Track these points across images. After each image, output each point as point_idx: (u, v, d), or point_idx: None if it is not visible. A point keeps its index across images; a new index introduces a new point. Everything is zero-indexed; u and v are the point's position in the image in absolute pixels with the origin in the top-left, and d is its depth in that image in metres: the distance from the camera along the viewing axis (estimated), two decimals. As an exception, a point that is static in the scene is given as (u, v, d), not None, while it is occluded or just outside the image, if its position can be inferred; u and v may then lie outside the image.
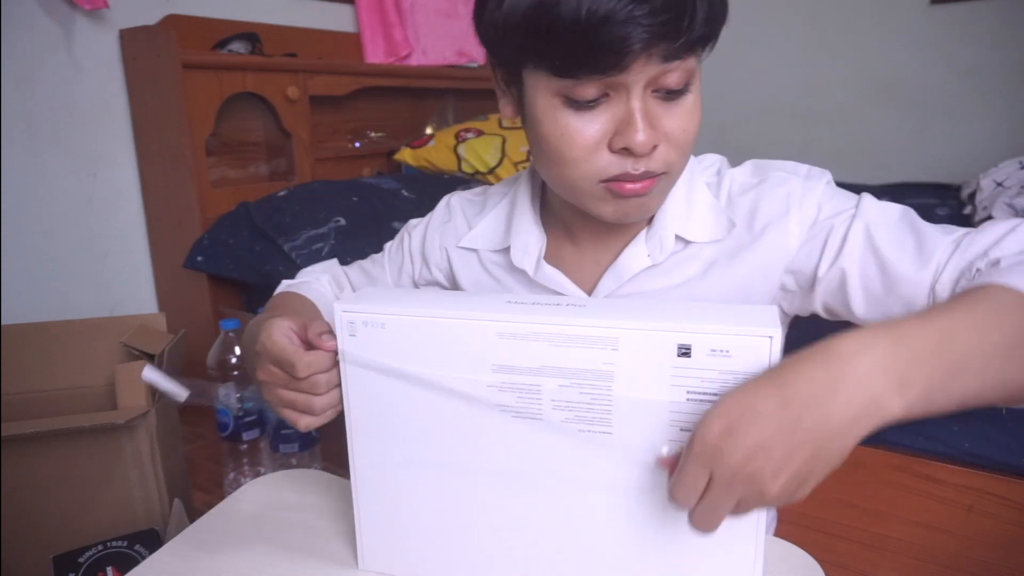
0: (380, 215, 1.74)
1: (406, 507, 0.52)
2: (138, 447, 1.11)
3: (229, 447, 1.50)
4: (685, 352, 0.43)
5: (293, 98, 1.91)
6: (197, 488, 1.53)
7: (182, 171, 1.70)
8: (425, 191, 1.95)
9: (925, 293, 0.54)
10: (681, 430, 0.44)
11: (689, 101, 0.55)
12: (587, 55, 0.50)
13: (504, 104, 0.63)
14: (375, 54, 2.25)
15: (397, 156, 2.22)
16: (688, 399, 0.43)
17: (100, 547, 1.04)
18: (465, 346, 0.47)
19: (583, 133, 0.54)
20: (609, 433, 0.45)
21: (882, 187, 2.48)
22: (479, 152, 2.14)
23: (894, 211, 0.59)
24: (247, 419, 1.47)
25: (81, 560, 1.03)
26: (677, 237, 0.63)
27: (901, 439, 1.02)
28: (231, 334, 1.47)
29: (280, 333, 0.51)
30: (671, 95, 0.54)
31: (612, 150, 0.55)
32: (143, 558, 0.66)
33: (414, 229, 0.78)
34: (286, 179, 1.99)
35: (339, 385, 0.52)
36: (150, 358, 1.19)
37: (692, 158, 0.65)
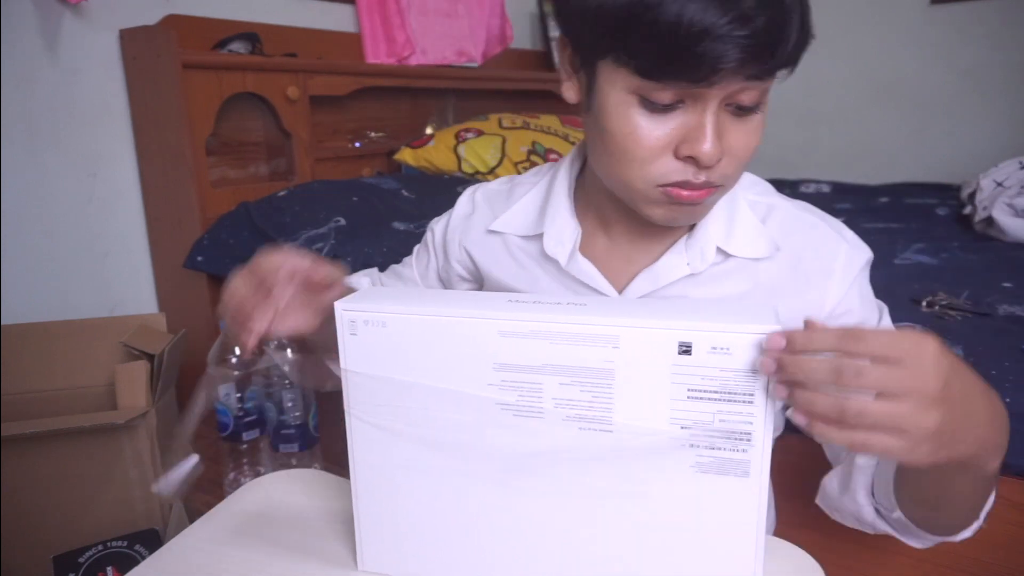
0: (380, 215, 1.73)
1: (406, 508, 0.52)
2: (138, 447, 1.11)
3: (229, 447, 1.50)
4: (686, 350, 0.43)
5: (293, 98, 1.91)
6: (197, 488, 1.53)
7: (182, 171, 1.69)
8: (425, 191, 1.94)
9: None
10: (682, 428, 0.44)
11: (757, 119, 0.56)
12: (677, 63, 0.50)
13: (567, 87, 0.61)
14: (376, 54, 2.24)
15: (397, 156, 2.22)
16: (689, 397, 0.43)
17: (100, 547, 1.04)
18: (466, 345, 0.47)
19: (652, 135, 0.54)
20: (610, 431, 0.45)
21: (882, 187, 2.48)
22: (479, 152, 2.14)
23: None
24: (247, 419, 1.47)
25: (81, 560, 1.03)
26: (718, 249, 0.63)
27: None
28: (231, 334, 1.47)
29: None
30: (742, 111, 0.54)
31: (677, 156, 0.55)
32: (143, 558, 0.66)
33: (436, 225, 0.78)
34: (286, 179, 1.99)
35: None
36: (150, 358, 1.19)
37: None
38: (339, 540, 0.58)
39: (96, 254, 1.71)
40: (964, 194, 2.07)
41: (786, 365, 0.40)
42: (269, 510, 0.63)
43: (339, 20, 2.19)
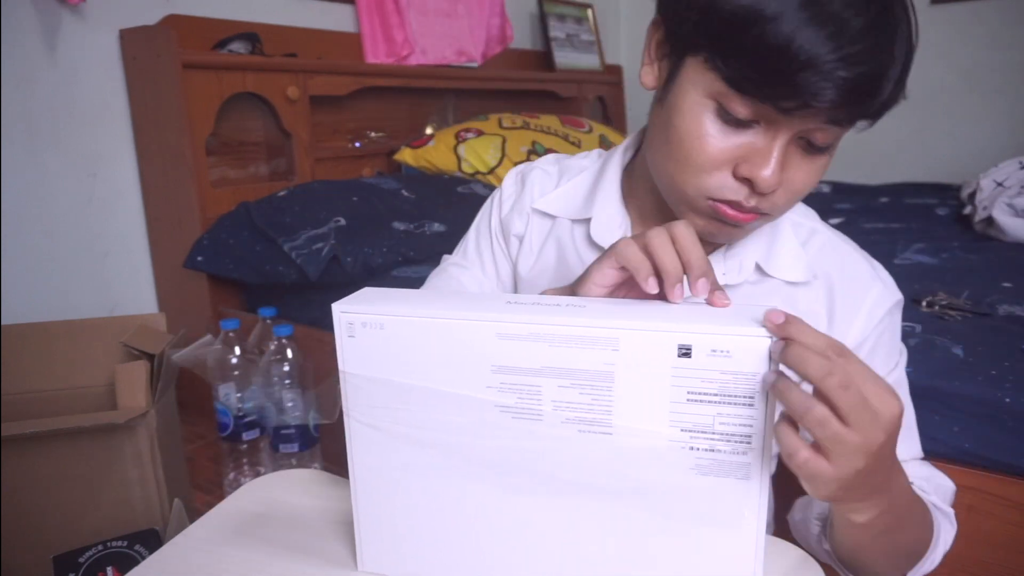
0: (380, 215, 1.74)
1: (405, 509, 0.52)
2: (138, 447, 1.11)
3: (229, 447, 1.50)
4: (685, 352, 0.43)
5: (293, 98, 1.91)
6: (197, 488, 1.53)
7: (182, 171, 1.69)
8: (425, 191, 1.94)
9: None
10: (682, 430, 0.44)
11: (823, 161, 0.55)
12: (770, 84, 0.49)
13: (647, 72, 0.60)
14: (375, 54, 2.24)
15: (397, 156, 2.22)
16: (688, 399, 0.43)
17: (100, 547, 1.04)
18: (465, 347, 0.47)
19: (717, 146, 0.53)
20: (609, 434, 0.45)
21: (882, 187, 2.48)
22: (479, 152, 2.14)
23: (907, 400, 0.65)
24: (247, 419, 1.47)
25: (81, 560, 1.03)
26: (756, 266, 0.63)
27: (901, 439, 1.02)
28: (231, 334, 1.47)
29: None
30: (812, 148, 0.54)
31: (735, 175, 0.54)
32: (143, 558, 0.66)
33: (487, 219, 0.77)
34: (286, 179, 1.99)
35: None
36: (150, 358, 1.19)
37: None
38: (339, 540, 0.58)
39: (96, 254, 1.71)
40: (964, 194, 2.07)
41: (789, 347, 0.40)
42: (269, 510, 0.63)
43: (339, 20, 2.19)
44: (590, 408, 0.45)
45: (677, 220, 0.63)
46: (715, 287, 0.47)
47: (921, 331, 1.13)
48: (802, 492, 0.73)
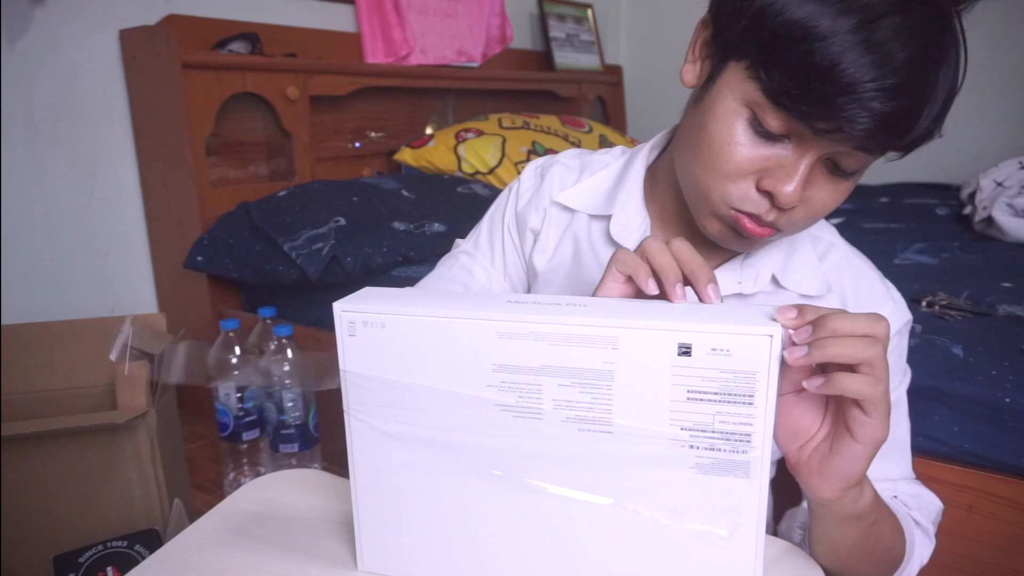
0: (380, 215, 1.74)
1: (405, 509, 0.52)
2: (138, 447, 1.11)
3: (229, 447, 1.50)
4: (685, 351, 0.43)
5: (293, 98, 1.91)
6: (197, 488, 1.53)
7: (182, 171, 1.69)
8: (425, 191, 1.94)
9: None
10: (682, 429, 0.44)
11: (848, 185, 0.55)
12: (808, 102, 0.48)
13: (688, 70, 0.59)
14: (375, 54, 2.24)
15: (397, 156, 2.22)
16: (688, 398, 0.43)
17: (100, 547, 1.04)
18: (465, 346, 0.47)
19: (745, 155, 0.53)
20: (610, 432, 0.45)
21: (882, 187, 2.48)
22: (479, 152, 2.14)
23: (904, 421, 0.67)
24: (247, 419, 1.47)
25: (81, 560, 1.03)
26: (772, 277, 0.63)
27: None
28: (231, 334, 1.47)
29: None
30: (837, 171, 0.53)
31: (758, 187, 0.54)
32: (143, 558, 0.66)
33: (502, 211, 0.76)
34: (286, 179, 1.99)
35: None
36: (150, 358, 1.19)
37: None
38: (339, 540, 0.58)
39: (96, 254, 1.71)
40: (964, 194, 2.07)
41: (821, 344, 0.43)
42: (269, 510, 0.63)
43: (339, 20, 2.19)
44: (590, 407, 0.45)
45: (692, 227, 0.63)
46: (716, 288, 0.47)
47: (921, 331, 1.13)
48: (800, 494, 0.74)
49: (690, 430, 0.44)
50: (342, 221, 1.65)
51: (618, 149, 0.74)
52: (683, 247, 0.48)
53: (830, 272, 0.65)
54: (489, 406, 0.47)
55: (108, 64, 1.68)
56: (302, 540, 0.58)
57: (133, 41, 1.67)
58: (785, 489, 0.78)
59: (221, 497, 0.74)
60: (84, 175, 1.67)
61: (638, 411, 0.45)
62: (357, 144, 2.22)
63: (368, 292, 0.52)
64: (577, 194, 0.70)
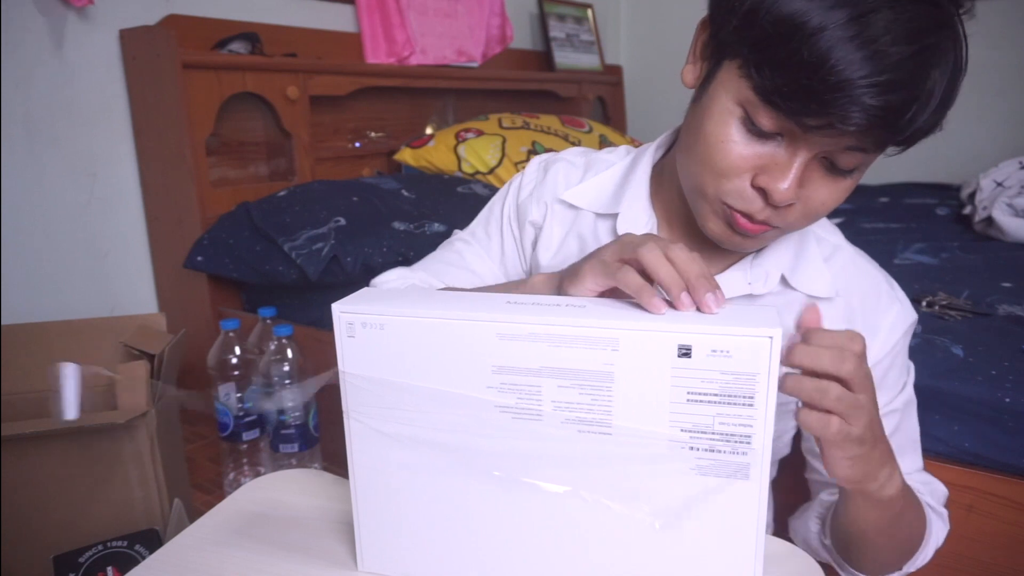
0: (380, 215, 1.73)
1: (405, 509, 0.52)
2: (138, 447, 1.11)
3: (229, 447, 1.50)
4: (685, 353, 0.43)
5: (293, 98, 1.91)
6: (197, 488, 1.53)
7: (182, 171, 1.69)
8: (425, 191, 1.94)
9: None
10: (682, 430, 0.44)
11: (847, 183, 0.54)
12: (797, 99, 0.48)
13: (689, 70, 0.59)
14: (375, 54, 2.24)
15: (397, 156, 2.22)
16: (688, 399, 0.43)
17: (100, 547, 1.04)
18: (465, 347, 0.47)
19: (739, 153, 0.53)
20: (609, 434, 0.45)
21: (882, 187, 2.48)
22: (479, 152, 2.14)
23: (913, 417, 0.69)
24: (247, 419, 1.47)
25: (81, 560, 1.03)
26: (782, 277, 0.63)
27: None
28: (231, 334, 1.47)
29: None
30: (834, 169, 0.53)
31: (753, 184, 0.54)
32: (143, 558, 0.66)
33: (501, 201, 0.76)
34: (286, 179, 1.99)
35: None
36: (150, 358, 1.19)
37: None
38: (339, 540, 0.58)
39: (96, 254, 1.71)
40: (964, 194, 2.07)
41: (807, 346, 0.46)
42: (269, 510, 0.63)
43: (339, 20, 2.19)
44: (590, 408, 0.45)
45: (697, 226, 0.64)
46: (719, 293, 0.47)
47: (921, 331, 1.13)
48: (799, 494, 0.74)
49: (690, 432, 0.44)
50: (342, 221, 1.65)
51: (623, 149, 0.74)
52: (681, 254, 0.47)
53: (837, 275, 0.65)
54: (489, 407, 0.47)
55: (108, 64, 1.68)
56: (302, 540, 0.59)
57: (133, 41, 1.67)
58: (785, 489, 0.78)
59: (221, 497, 0.74)
60: (84, 175, 1.67)
61: (638, 413, 0.45)
62: (357, 144, 2.22)
63: (367, 293, 0.52)
64: (583, 192, 0.70)
